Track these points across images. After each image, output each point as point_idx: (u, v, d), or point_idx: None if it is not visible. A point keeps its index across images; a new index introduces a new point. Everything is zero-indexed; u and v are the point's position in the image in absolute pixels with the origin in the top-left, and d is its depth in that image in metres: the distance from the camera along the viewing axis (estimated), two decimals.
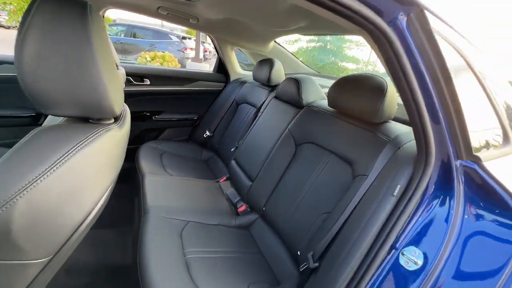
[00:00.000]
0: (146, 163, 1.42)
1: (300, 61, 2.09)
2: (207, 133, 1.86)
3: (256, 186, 1.23)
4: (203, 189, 1.39)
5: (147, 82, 1.74)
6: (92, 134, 0.46)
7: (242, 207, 1.26)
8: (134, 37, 8.41)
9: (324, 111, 1.13)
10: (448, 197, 0.64)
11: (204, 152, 1.85)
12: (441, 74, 0.55)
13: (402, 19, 0.52)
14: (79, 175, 0.43)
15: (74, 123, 0.50)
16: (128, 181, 1.42)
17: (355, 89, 0.93)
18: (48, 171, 0.38)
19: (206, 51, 10.00)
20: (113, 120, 0.56)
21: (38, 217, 0.38)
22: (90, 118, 0.52)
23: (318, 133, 1.09)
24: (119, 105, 0.55)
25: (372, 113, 0.86)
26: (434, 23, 0.53)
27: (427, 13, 0.52)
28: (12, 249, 0.37)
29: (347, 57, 8.29)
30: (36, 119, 1.57)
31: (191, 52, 8.27)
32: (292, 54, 2.07)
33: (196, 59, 7.87)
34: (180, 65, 6.34)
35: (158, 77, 1.79)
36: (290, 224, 1.02)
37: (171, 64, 5.54)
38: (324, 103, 1.17)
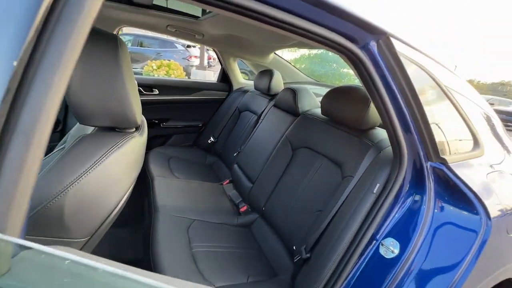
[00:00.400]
0: (155, 167, 1.54)
1: (300, 69, 2.21)
2: (211, 139, 1.98)
3: (256, 188, 1.34)
4: (208, 191, 1.50)
5: (156, 92, 1.87)
6: (121, 141, 0.58)
7: (243, 208, 1.36)
8: (141, 46, 8.64)
9: (317, 119, 1.24)
10: (420, 194, 0.74)
11: (209, 156, 1.97)
12: (409, 90, 0.66)
13: (373, 45, 0.63)
14: (111, 173, 0.55)
15: (105, 132, 0.61)
16: (138, 183, 1.54)
17: (344, 100, 1.04)
18: (90, 168, 0.49)
19: (210, 58, 10.23)
20: (134, 129, 0.68)
21: (82, 204, 0.49)
22: (117, 128, 0.64)
23: (312, 139, 1.20)
24: (139, 116, 0.67)
25: (359, 121, 0.96)
26: (399, 47, 0.64)
27: (393, 39, 0.63)
28: (62, 229, 0.48)
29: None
30: (56, 127, 1.71)
31: (195, 60, 8.49)
32: (291, 64, 2.19)
33: (200, 66, 8.08)
34: (185, 73, 6.53)
35: (166, 87, 1.92)
36: (287, 222, 1.12)
37: (176, 72, 5.72)
38: (318, 111, 1.28)
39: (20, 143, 0.23)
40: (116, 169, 0.56)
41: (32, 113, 0.23)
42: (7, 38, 0.21)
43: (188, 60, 8.24)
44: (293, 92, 1.38)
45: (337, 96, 1.08)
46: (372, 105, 0.94)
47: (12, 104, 0.22)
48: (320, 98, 1.46)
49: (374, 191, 0.78)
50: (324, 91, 1.87)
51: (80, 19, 0.25)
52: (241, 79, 2.14)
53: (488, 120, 1.00)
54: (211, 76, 6.68)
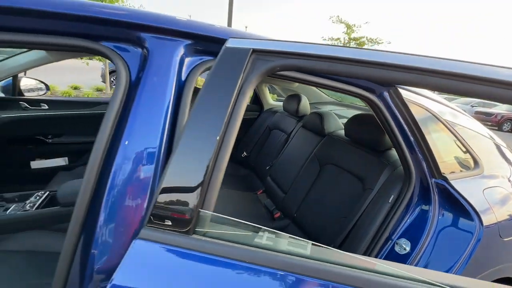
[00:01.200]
0: None
1: (323, 91, 2.46)
2: (245, 153, 2.25)
3: (288, 197, 1.57)
4: (244, 199, 1.76)
5: None
6: None
7: (277, 214, 1.60)
8: None
9: (341, 139, 1.46)
10: (427, 204, 0.94)
11: (242, 169, 2.24)
12: (413, 124, 0.88)
13: (386, 94, 0.86)
14: None
15: None
16: None
17: (364, 125, 1.27)
18: None
19: None
20: None
21: None
22: None
23: (337, 156, 1.42)
24: None
25: (376, 143, 1.18)
26: (405, 94, 0.88)
27: (400, 89, 0.87)
28: None
29: None
30: None
31: None
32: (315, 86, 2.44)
33: None
34: None
35: None
36: (316, 226, 1.34)
37: None
38: (342, 132, 1.51)
39: (221, 160, 0.50)
40: None
41: (223, 157, 0.49)
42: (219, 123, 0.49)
43: None
44: (320, 116, 1.62)
45: (358, 122, 1.31)
46: None
47: (216, 158, 0.49)
48: (342, 120, 1.70)
49: (390, 201, 0.99)
50: (345, 112, 2.10)
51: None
52: (270, 100, 2.43)
53: (490, 144, 1.18)
54: None
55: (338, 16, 9.02)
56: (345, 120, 1.57)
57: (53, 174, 1.77)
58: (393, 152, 1.22)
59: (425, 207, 0.95)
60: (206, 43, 0.64)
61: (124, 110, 0.56)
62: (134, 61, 0.58)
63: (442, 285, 0.45)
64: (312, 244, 0.51)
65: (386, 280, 0.47)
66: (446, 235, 0.91)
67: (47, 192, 1.34)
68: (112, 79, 8.36)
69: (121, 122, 0.55)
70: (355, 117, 1.34)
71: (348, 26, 8.98)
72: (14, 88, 1.79)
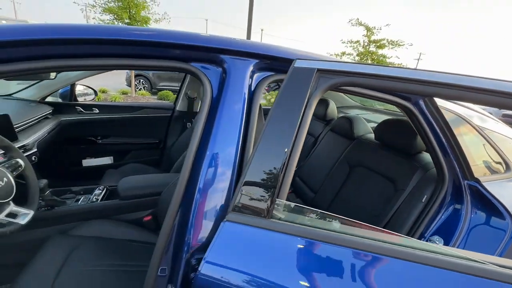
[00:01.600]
0: None
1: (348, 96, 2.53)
2: None
3: (319, 197, 1.67)
4: None
5: None
6: None
7: None
8: None
9: (371, 143, 1.54)
10: (460, 204, 1.01)
11: None
12: (447, 129, 0.96)
13: (422, 102, 0.95)
14: None
15: None
16: None
17: (395, 130, 1.34)
18: None
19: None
20: None
21: None
22: None
23: (367, 159, 1.50)
24: None
25: (408, 147, 1.26)
26: (439, 102, 0.96)
27: (434, 98, 0.95)
28: None
29: None
30: (158, 144, 2.25)
31: None
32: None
33: None
34: None
35: None
36: None
37: None
38: (371, 136, 1.59)
39: (292, 159, 0.62)
40: None
41: (294, 157, 0.62)
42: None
43: None
44: (350, 120, 1.71)
45: (390, 127, 1.38)
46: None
47: (288, 158, 0.61)
48: (370, 124, 1.77)
49: (423, 200, 1.07)
50: (369, 115, 2.16)
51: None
52: None
53: None
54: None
55: (357, 19, 8.96)
56: (370, 124, 1.65)
57: (99, 171, 1.97)
58: (424, 155, 1.29)
59: (458, 206, 1.02)
60: (268, 61, 0.77)
61: (210, 119, 0.69)
62: (215, 78, 0.72)
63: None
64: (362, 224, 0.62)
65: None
66: (478, 232, 0.97)
67: (106, 187, 1.53)
68: (136, 82, 8.78)
69: (208, 128, 0.68)
70: (386, 121, 1.42)
71: (368, 29, 8.89)
72: (71, 94, 2.01)
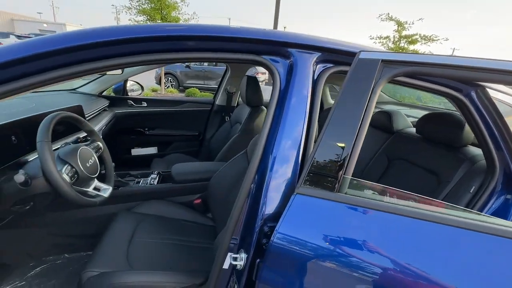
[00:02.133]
0: None
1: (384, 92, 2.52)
2: None
3: None
4: None
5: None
6: None
7: None
8: (215, 65, 9.86)
9: (412, 136, 1.56)
10: (511, 194, 1.02)
11: None
12: (500, 122, 0.97)
13: (473, 93, 0.97)
14: None
15: None
16: None
17: (439, 123, 1.35)
18: None
19: None
20: None
21: None
22: None
23: (407, 152, 1.52)
24: None
25: (453, 140, 1.27)
26: (492, 93, 0.97)
27: (487, 88, 0.97)
28: None
29: None
30: (198, 136, 2.40)
31: (262, 76, 9.31)
32: None
33: (269, 82, 8.83)
34: None
35: None
36: None
37: None
38: (411, 130, 1.60)
39: (358, 140, 0.69)
40: None
41: (360, 138, 0.69)
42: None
43: (256, 76, 9.08)
44: (388, 115, 1.73)
45: (433, 120, 1.40)
46: (465, 129, 1.24)
47: (356, 138, 0.69)
48: (410, 119, 1.77)
49: (471, 191, 1.09)
50: (409, 111, 2.15)
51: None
52: (330, 100, 2.56)
53: None
54: None
55: (388, 14, 8.65)
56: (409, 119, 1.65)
57: (145, 159, 2.15)
58: (470, 148, 1.29)
59: (508, 196, 1.03)
60: (329, 54, 0.84)
61: (279, 107, 0.78)
62: (283, 69, 0.81)
63: None
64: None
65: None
66: None
67: (159, 172, 1.68)
68: (164, 80, 9.18)
69: (278, 115, 0.77)
70: (430, 115, 1.43)
71: (399, 24, 8.55)
72: (124, 89, 2.22)
